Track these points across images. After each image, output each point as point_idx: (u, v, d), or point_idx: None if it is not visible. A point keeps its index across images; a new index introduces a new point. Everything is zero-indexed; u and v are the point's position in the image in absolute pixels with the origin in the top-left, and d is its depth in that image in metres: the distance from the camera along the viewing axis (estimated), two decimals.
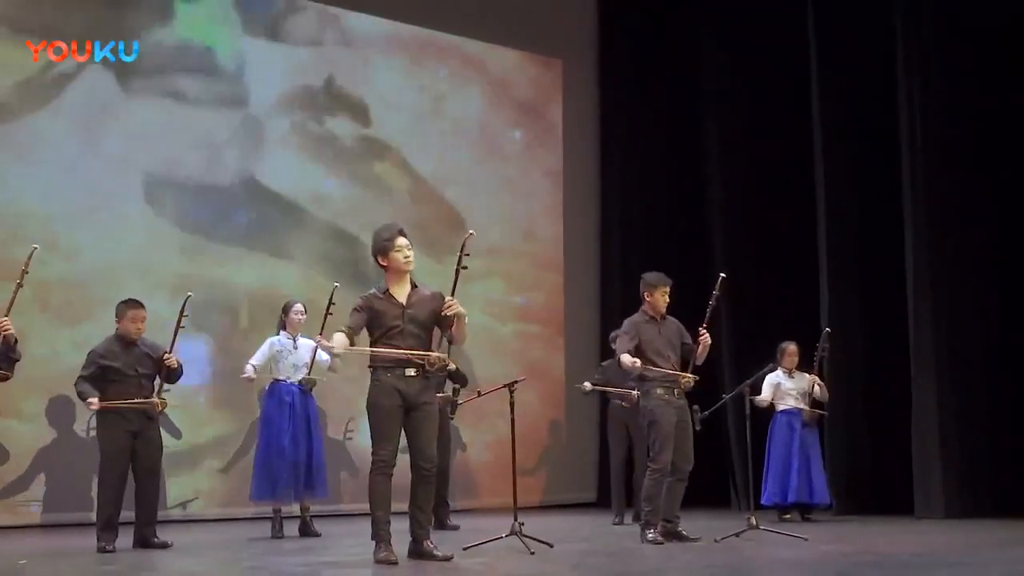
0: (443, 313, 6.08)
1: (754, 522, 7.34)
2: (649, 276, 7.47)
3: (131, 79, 9.76)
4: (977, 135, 9.46)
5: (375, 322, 6.07)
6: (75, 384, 7.17)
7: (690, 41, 12.13)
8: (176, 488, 9.53)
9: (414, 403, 6.03)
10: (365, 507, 6.21)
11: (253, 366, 7.99)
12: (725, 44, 11.67)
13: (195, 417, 9.67)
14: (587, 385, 9.30)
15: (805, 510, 9.23)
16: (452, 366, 7.54)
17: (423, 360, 6.02)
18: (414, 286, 6.18)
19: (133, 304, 7.26)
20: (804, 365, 9.27)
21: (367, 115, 11.04)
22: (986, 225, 9.47)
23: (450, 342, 6.25)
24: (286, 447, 7.83)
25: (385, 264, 6.16)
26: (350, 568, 6.22)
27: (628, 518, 9.07)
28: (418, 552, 6.05)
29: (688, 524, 7.38)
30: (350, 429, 10.31)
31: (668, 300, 7.37)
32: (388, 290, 6.13)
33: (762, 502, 9.20)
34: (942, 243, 9.39)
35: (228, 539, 8.03)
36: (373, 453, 6.04)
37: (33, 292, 7.24)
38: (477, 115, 11.80)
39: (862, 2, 10.13)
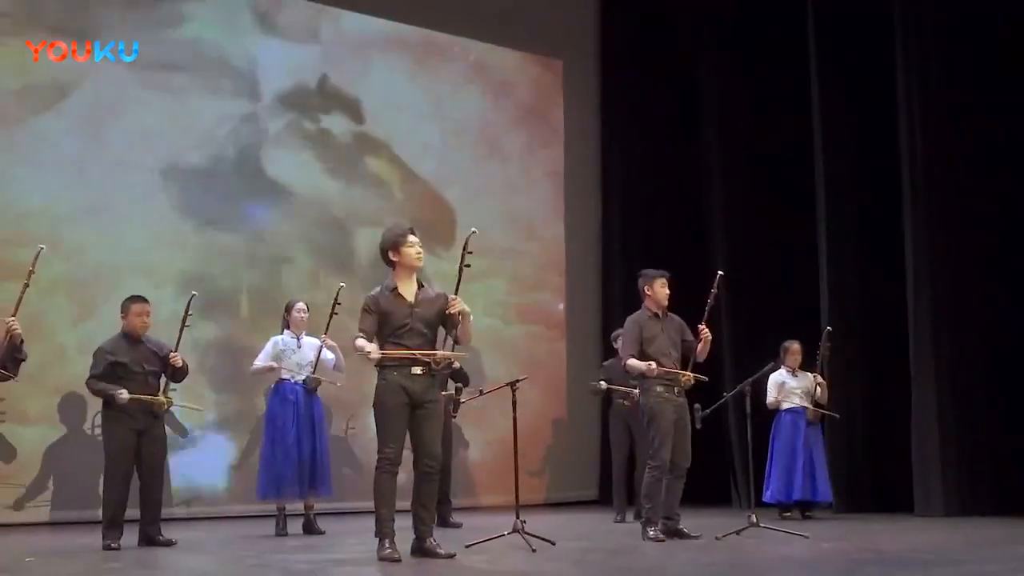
0: (447, 312, 6.11)
1: (755, 520, 7.35)
2: (646, 270, 7.53)
3: (132, 78, 9.78)
4: (977, 135, 9.47)
5: (384, 322, 6.09)
6: (87, 384, 7.19)
7: (690, 41, 12.14)
8: (180, 486, 9.57)
9: (420, 401, 6.06)
10: (368, 504, 6.26)
11: (259, 367, 8.07)
12: (725, 44, 11.69)
13: (199, 415, 9.68)
14: (603, 384, 9.23)
15: (806, 508, 9.26)
16: (457, 364, 7.57)
17: (429, 358, 6.06)
18: (420, 285, 6.21)
19: (137, 299, 7.30)
20: (806, 364, 9.32)
21: (366, 115, 11.06)
22: (986, 225, 9.48)
23: (456, 341, 6.28)
24: (291, 446, 7.86)
25: (396, 259, 6.17)
26: (354, 565, 6.23)
27: (630, 516, 9.08)
28: (421, 550, 6.09)
29: (689, 522, 7.40)
30: (351, 427, 10.36)
31: (668, 292, 7.40)
32: (396, 288, 6.15)
33: (766, 500, 9.24)
34: (942, 243, 9.40)
35: (232, 537, 8.04)
36: (379, 451, 6.07)
37: (37, 292, 7.26)
38: (478, 116, 11.83)
39: (862, 2, 10.15)
